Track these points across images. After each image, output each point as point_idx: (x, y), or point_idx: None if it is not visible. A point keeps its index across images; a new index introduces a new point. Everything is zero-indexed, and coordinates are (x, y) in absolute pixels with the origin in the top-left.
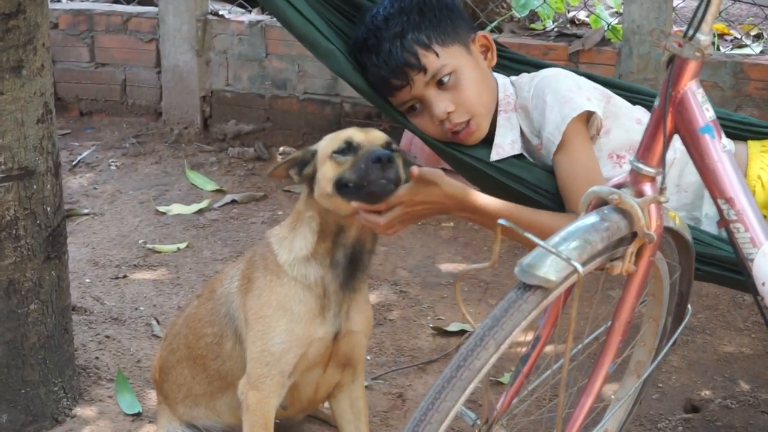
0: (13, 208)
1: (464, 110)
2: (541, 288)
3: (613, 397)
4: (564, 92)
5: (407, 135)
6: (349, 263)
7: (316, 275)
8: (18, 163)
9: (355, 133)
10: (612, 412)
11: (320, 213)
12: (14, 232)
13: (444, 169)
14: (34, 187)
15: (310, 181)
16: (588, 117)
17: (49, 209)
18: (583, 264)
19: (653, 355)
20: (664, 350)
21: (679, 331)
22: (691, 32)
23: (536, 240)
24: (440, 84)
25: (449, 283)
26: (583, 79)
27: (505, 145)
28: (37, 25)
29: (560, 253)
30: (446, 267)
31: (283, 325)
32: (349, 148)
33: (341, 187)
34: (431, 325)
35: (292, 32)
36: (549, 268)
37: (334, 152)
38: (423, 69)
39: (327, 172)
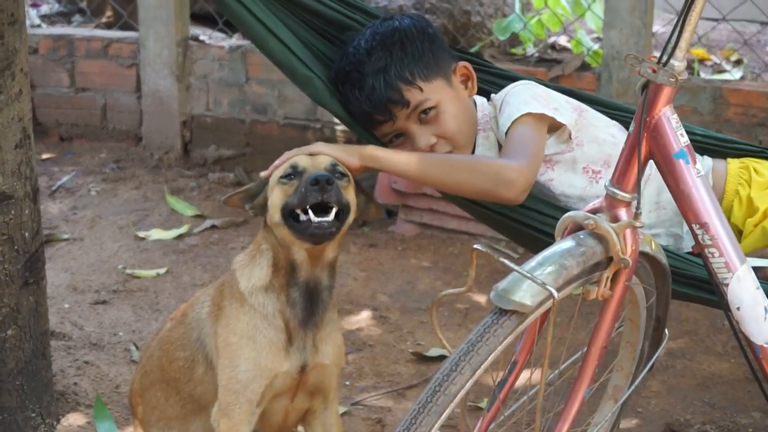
0: None
1: (446, 142)
2: (517, 313)
3: (590, 421)
4: (527, 96)
5: None
6: (306, 302)
7: (274, 307)
8: None
9: (301, 159)
10: None
11: (273, 246)
12: None
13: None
14: (12, 212)
15: (263, 210)
16: (550, 124)
17: (27, 234)
18: (559, 289)
19: (630, 380)
20: (641, 375)
21: (656, 356)
22: (665, 58)
23: (511, 265)
24: (422, 116)
25: (429, 308)
26: (555, 92)
27: None
28: (15, 51)
29: (535, 277)
30: (426, 292)
31: (247, 354)
32: (294, 172)
33: (286, 215)
34: (411, 350)
35: (270, 59)
36: (524, 293)
37: (281, 178)
38: (406, 103)
39: (274, 199)
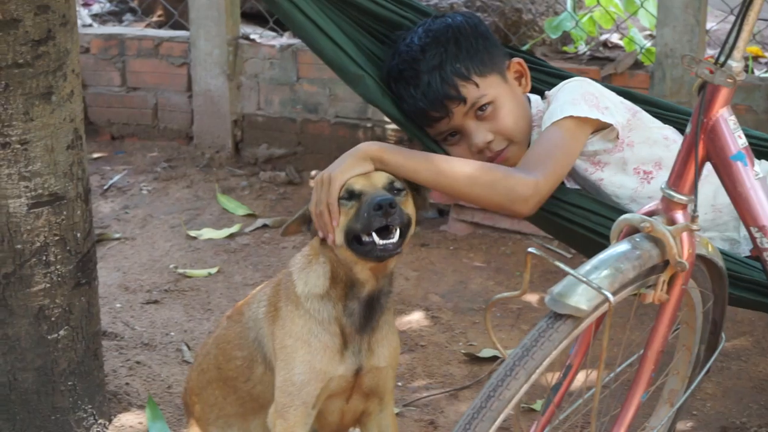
0: (43, 234)
1: (503, 138)
2: (572, 317)
3: (646, 425)
4: (576, 95)
5: None
6: (364, 310)
7: (330, 314)
8: (48, 190)
9: (355, 179)
10: None
11: (331, 261)
12: (44, 258)
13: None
14: (64, 213)
15: None
16: (597, 127)
17: (79, 235)
18: (614, 293)
19: (686, 384)
20: (698, 379)
21: (712, 359)
22: (722, 58)
23: (567, 269)
24: (479, 113)
25: (481, 309)
26: (609, 92)
27: None
28: (67, 51)
29: (591, 282)
30: (478, 292)
31: (302, 357)
32: (351, 195)
33: (350, 239)
34: (463, 351)
35: (321, 57)
36: (580, 297)
37: (340, 199)
38: (463, 100)
39: None
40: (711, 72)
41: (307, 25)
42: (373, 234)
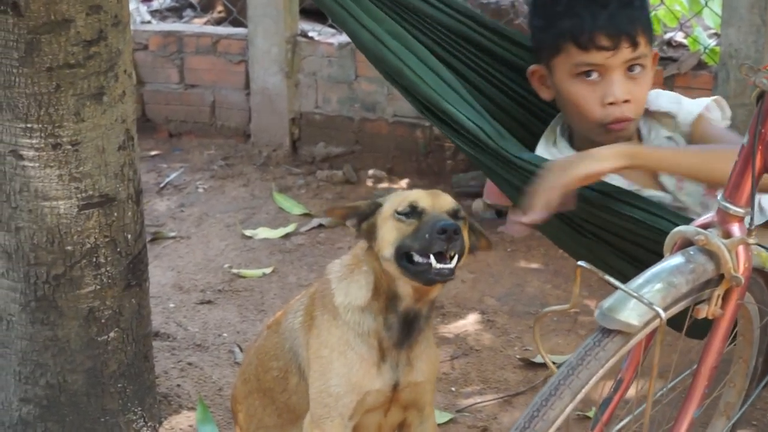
0: (93, 235)
1: (632, 107)
2: (621, 333)
3: None
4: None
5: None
6: (403, 326)
7: (370, 327)
8: (99, 191)
9: (421, 197)
10: None
11: (376, 271)
12: (95, 259)
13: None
14: (115, 214)
15: (369, 235)
16: None
17: (129, 236)
18: (666, 308)
19: (743, 396)
20: (756, 392)
21: None
22: None
23: (616, 283)
24: (629, 72)
25: (538, 313)
26: None
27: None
28: (119, 52)
29: (642, 297)
30: (535, 295)
31: (339, 368)
32: (413, 211)
33: (400, 255)
34: (518, 356)
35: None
36: (630, 312)
37: (398, 212)
38: (635, 45)
39: (387, 234)
40: None
41: (349, 20)
42: (431, 256)
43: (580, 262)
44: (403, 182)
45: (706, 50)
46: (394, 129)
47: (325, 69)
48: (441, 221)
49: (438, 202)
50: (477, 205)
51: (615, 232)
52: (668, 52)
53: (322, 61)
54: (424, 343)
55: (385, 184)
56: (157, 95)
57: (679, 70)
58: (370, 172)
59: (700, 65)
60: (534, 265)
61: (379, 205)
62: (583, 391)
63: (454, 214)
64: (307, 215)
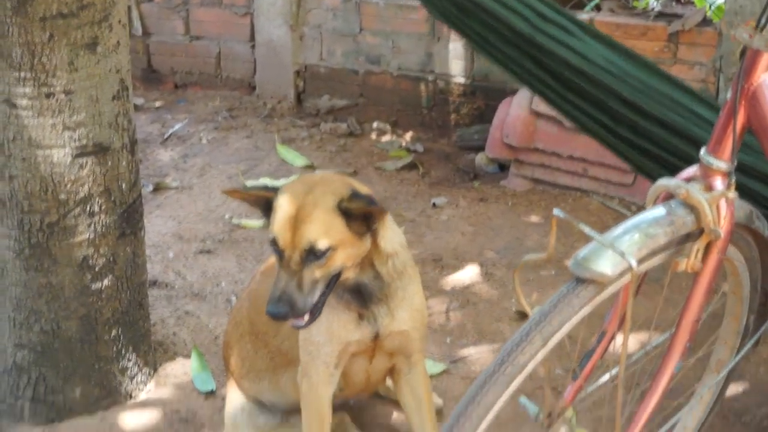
0: (87, 184)
1: None
2: (594, 282)
3: (694, 391)
4: None
5: (500, 114)
6: (353, 296)
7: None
8: (93, 140)
9: (280, 232)
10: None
11: None
12: (88, 208)
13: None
14: (109, 163)
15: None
16: None
17: (124, 186)
18: (642, 259)
19: (735, 353)
20: (746, 348)
21: (762, 329)
22: (763, 21)
23: (591, 233)
24: None
25: (536, 266)
26: None
27: None
28: (114, 2)
29: (615, 247)
30: (535, 249)
31: (321, 319)
32: (276, 246)
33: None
34: (515, 309)
35: None
36: (605, 262)
37: (269, 237)
38: None
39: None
40: (751, 37)
41: None
42: None
43: (555, 211)
44: (407, 135)
45: (712, 7)
46: (399, 82)
47: (329, 22)
48: (270, 303)
49: (296, 238)
50: (480, 158)
51: None
52: (676, 8)
53: (327, 14)
54: (400, 293)
55: (388, 137)
56: (163, 46)
57: (684, 27)
58: (374, 124)
59: (705, 22)
60: (534, 219)
61: (273, 198)
62: (555, 337)
63: (309, 252)
64: (310, 167)
